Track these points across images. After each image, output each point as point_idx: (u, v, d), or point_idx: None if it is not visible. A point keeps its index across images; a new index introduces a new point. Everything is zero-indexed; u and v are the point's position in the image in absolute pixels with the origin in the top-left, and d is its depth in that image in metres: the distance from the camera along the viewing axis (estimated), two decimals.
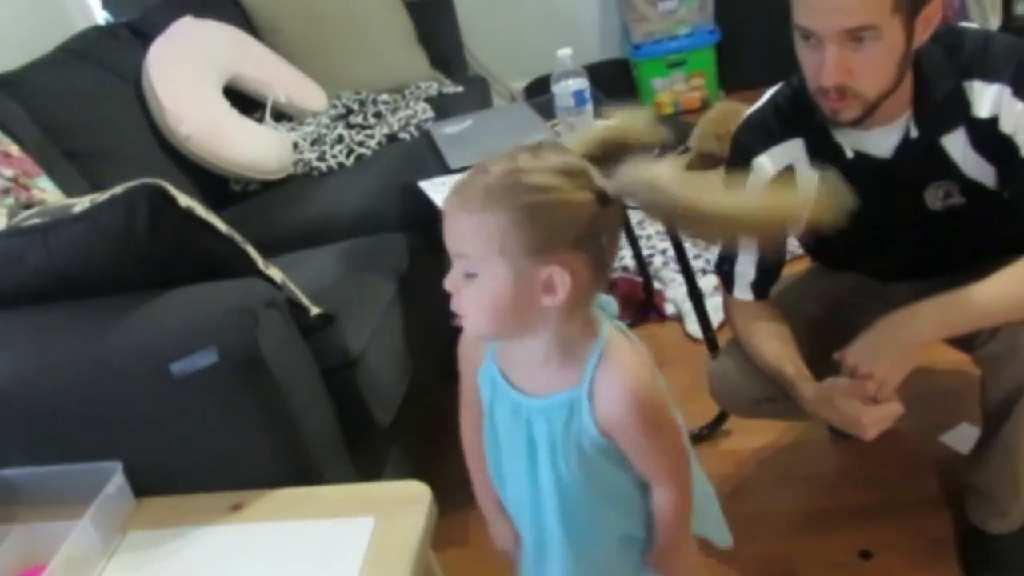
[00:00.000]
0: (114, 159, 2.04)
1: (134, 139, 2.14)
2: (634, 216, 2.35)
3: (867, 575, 1.50)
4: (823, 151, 1.29)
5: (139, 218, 1.13)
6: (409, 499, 1.17)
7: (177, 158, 2.20)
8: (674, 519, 1.02)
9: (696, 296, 1.81)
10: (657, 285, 2.41)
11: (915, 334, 1.21)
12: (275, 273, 1.40)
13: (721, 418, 1.88)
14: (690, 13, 3.46)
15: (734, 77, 3.47)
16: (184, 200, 1.20)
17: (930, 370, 1.77)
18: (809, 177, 1.32)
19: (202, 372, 1.16)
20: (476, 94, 2.78)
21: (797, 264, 1.65)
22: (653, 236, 2.63)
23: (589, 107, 1.61)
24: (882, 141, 1.24)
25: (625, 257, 2.57)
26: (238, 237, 1.34)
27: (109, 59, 2.25)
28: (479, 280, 0.87)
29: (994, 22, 3.50)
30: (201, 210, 1.23)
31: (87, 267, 1.19)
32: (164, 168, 2.15)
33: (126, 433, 1.24)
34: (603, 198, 0.85)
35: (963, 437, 1.69)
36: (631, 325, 2.34)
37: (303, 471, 1.28)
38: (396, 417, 1.57)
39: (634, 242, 2.34)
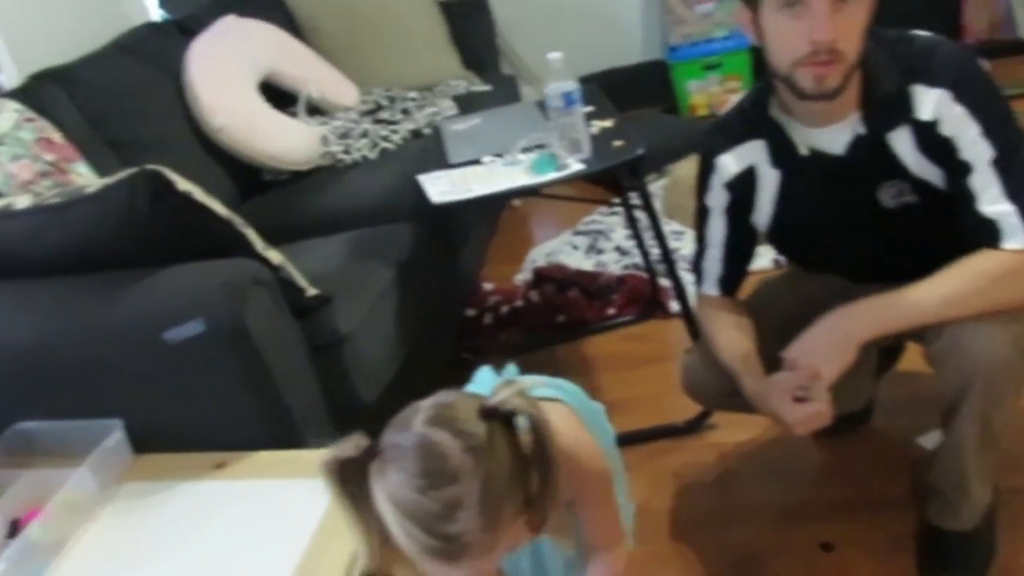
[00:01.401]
0: (152, 148, 2.19)
1: (173, 130, 2.31)
2: (639, 213, 2.41)
3: (825, 567, 1.54)
4: (781, 151, 1.35)
5: (140, 199, 1.27)
6: None
7: (212, 148, 2.36)
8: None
9: (680, 290, 1.88)
10: (663, 283, 2.47)
11: (851, 331, 1.26)
12: (273, 255, 1.53)
13: (707, 412, 1.94)
14: (727, 16, 3.48)
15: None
16: (183, 184, 1.33)
17: (914, 373, 1.79)
18: (772, 176, 1.39)
19: (192, 340, 1.29)
20: (504, 93, 2.86)
21: None
22: (668, 235, 2.68)
23: (578, 107, 1.69)
24: (835, 138, 1.29)
25: (634, 254, 2.63)
26: (238, 220, 1.46)
27: (156, 54, 2.42)
28: None
29: None
30: (200, 194, 1.36)
31: (97, 243, 1.33)
32: (199, 157, 2.31)
33: (128, 394, 1.38)
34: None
35: (937, 439, 1.72)
36: (637, 321, 2.42)
37: (285, 437, 1.40)
38: (389, 397, 1.68)
39: (640, 240, 2.41)
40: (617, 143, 1.75)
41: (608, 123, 1.87)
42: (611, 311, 2.43)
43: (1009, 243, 1.21)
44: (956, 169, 1.23)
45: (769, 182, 1.40)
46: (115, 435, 1.34)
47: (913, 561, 1.49)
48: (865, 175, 1.31)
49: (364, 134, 2.50)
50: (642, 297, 2.45)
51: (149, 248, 1.34)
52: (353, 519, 0.84)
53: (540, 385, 1.09)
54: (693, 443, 1.93)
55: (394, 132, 2.52)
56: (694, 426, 1.94)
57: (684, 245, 2.61)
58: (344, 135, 2.52)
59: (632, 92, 3.72)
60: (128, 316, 1.30)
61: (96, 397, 1.39)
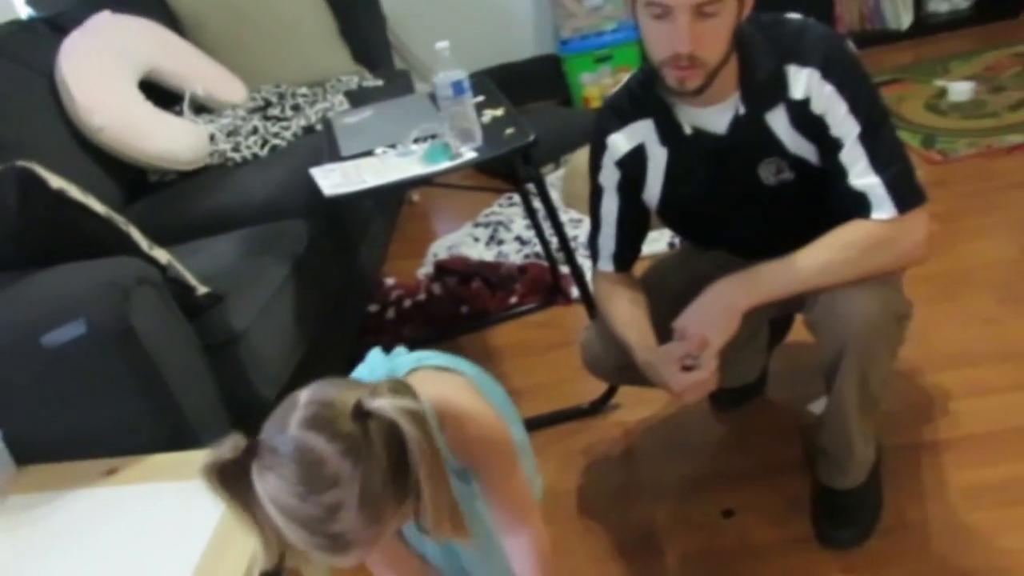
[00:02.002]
0: (25, 150, 2.07)
1: (47, 131, 2.19)
2: (537, 204, 2.43)
3: (726, 533, 1.60)
4: (667, 129, 1.39)
5: (8, 198, 1.20)
6: None
7: (92, 150, 2.26)
8: (541, 559, 1.08)
9: (577, 271, 1.91)
10: (563, 270, 2.50)
11: (734, 300, 1.31)
12: (160, 254, 1.48)
13: (611, 392, 1.98)
14: (615, 9, 3.56)
15: None
16: (56, 182, 1.27)
17: (803, 344, 1.87)
18: (659, 154, 1.42)
19: (74, 343, 1.23)
20: (397, 87, 2.85)
21: None
22: (567, 223, 2.72)
23: (468, 96, 1.69)
24: (717, 118, 1.34)
25: (534, 244, 2.66)
26: (119, 219, 1.41)
27: (23, 53, 2.30)
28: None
29: (906, 19, 3.65)
30: (75, 192, 1.30)
31: None
32: (78, 160, 2.20)
33: (5, 403, 1.30)
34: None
35: (824, 405, 1.80)
36: (539, 308, 2.45)
37: (181, 439, 1.36)
38: (289, 393, 1.65)
39: (539, 229, 2.43)
40: (509, 131, 1.77)
41: (499, 112, 1.88)
42: (513, 300, 2.45)
43: (877, 213, 1.28)
44: (828, 145, 1.29)
45: (657, 160, 1.44)
46: None
47: (809, 521, 1.56)
48: (746, 153, 1.36)
49: (254, 131, 2.44)
50: (543, 285, 2.47)
51: (22, 249, 1.28)
52: (242, 519, 0.83)
53: (433, 356, 1.09)
54: (598, 423, 1.97)
55: (285, 129, 2.47)
56: (598, 406, 1.98)
57: (582, 233, 2.65)
58: (232, 133, 2.45)
59: (526, 86, 3.76)
60: (2, 320, 1.23)
61: None
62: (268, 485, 0.80)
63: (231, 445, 0.81)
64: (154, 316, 1.32)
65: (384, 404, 0.80)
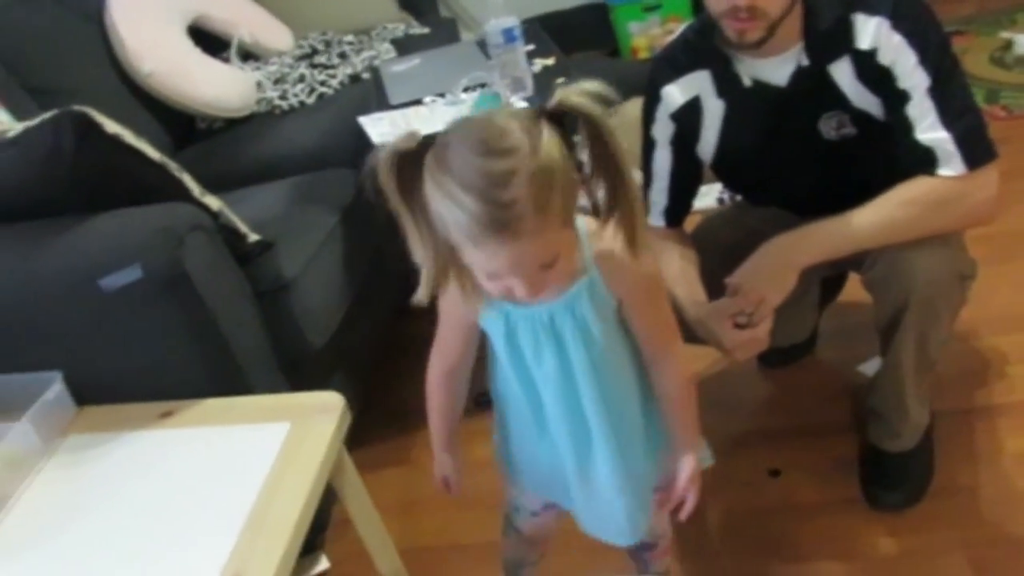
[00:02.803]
0: (76, 96, 2.07)
1: (97, 76, 2.20)
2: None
3: (773, 492, 1.59)
4: (725, 81, 1.35)
5: (65, 142, 1.21)
6: (323, 407, 1.26)
7: (141, 96, 2.27)
8: (683, 387, 1.07)
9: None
10: None
11: (792, 257, 1.28)
12: (212, 201, 1.48)
13: None
14: None
15: None
16: (112, 127, 1.27)
17: (854, 304, 1.84)
18: (716, 106, 1.39)
19: (129, 287, 1.25)
20: (443, 35, 2.81)
21: None
22: None
23: (519, 44, 1.66)
24: (778, 70, 1.30)
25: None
26: (173, 165, 1.41)
27: None
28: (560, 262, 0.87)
29: None
30: (130, 137, 1.31)
31: (19, 190, 1.27)
32: (127, 105, 2.22)
33: (65, 346, 1.33)
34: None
35: (877, 366, 1.77)
36: None
37: (232, 384, 1.37)
38: (338, 342, 1.66)
39: (586, 182, 2.40)
40: (560, 80, 1.73)
41: (550, 61, 1.85)
42: None
43: (944, 169, 1.23)
44: (894, 98, 1.25)
45: (713, 112, 1.40)
46: (55, 387, 1.30)
47: (857, 482, 1.55)
48: (807, 107, 1.32)
49: (301, 79, 2.43)
50: None
51: (77, 194, 1.29)
52: (406, 217, 0.86)
53: None
54: None
55: (331, 77, 2.45)
56: None
57: None
58: (279, 80, 2.44)
59: (573, 35, 3.67)
60: (62, 264, 1.25)
61: (31, 350, 1.34)
62: (447, 156, 0.80)
63: (409, 135, 0.83)
64: (207, 262, 1.33)
65: (570, 95, 0.81)
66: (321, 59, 2.56)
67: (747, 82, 1.34)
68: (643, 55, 3.57)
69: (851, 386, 1.77)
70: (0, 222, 1.31)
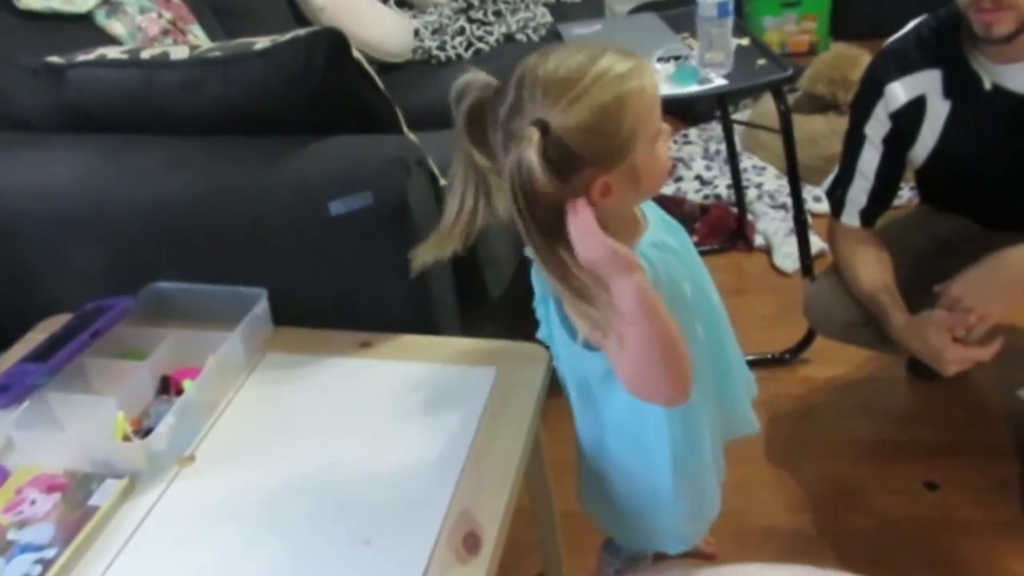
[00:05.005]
0: (249, 18, 2.11)
1: (271, 3, 2.21)
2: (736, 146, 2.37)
3: (931, 505, 1.57)
4: (960, 82, 1.31)
5: (317, 60, 1.21)
6: (528, 357, 1.25)
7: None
8: None
9: (802, 222, 1.85)
10: (748, 217, 2.45)
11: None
12: (415, 139, 1.48)
13: (802, 345, 1.94)
14: None
15: (846, 24, 3.42)
16: (356, 52, 1.27)
17: (1014, 326, 1.80)
18: (940, 108, 1.35)
19: (354, 214, 1.25)
20: (592, 5, 2.80)
21: None
22: (749, 169, 2.65)
23: (730, 19, 1.63)
24: (1021, 77, 1.26)
25: (719, 185, 2.61)
26: (389, 97, 1.41)
27: None
28: None
29: None
30: (367, 65, 1.31)
31: (261, 103, 1.27)
32: None
33: (273, 264, 1.34)
34: None
35: None
36: (718, 251, 2.41)
37: (423, 325, 1.37)
38: (509, 296, 1.66)
39: (735, 172, 2.38)
40: (761, 62, 1.71)
41: (744, 41, 1.82)
42: (693, 239, 2.40)
43: None
44: None
45: (937, 114, 1.37)
46: (262, 303, 1.31)
47: (1017, 507, 1.52)
48: None
49: (460, 31, 2.42)
50: (724, 228, 2.43)
51: (312, 113, 1.29)
52: (466, 153, 1.00)
53: None
54: (783, 375, 1.94)
55: (488, 33, 2.44)
56: (793, 355, 1.95)
57: (766, 180, 2.59)
58: (438, 30, 2.44)
59: None
60: (295, 183, 1.25)
61: (237, 264, 1.35)
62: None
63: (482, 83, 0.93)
64: (423, 198, 1.33)
65: None
66: (477, 14, 2.54)
67: (988, 86, 1.30)
68: (774, 50, 3.52)
69: (1007, 409, 1.74)
70: (233, 133, 1.32)
